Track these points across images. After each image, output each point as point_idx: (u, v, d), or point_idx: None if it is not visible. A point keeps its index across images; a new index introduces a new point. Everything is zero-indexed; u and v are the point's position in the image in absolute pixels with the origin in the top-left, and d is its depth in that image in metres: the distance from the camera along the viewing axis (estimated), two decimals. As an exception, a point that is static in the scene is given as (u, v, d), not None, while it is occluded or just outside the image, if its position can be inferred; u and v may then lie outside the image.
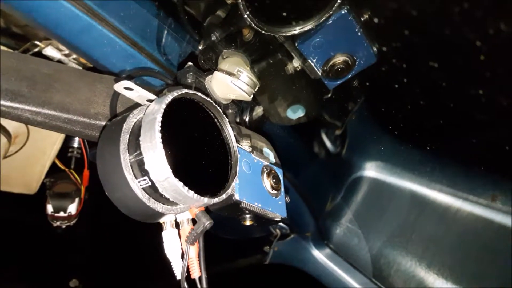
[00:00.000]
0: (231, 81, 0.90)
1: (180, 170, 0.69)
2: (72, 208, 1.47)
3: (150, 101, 0.80)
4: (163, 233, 0.86)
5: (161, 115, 0.69)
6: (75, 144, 1.50)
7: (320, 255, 1.83)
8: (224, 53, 0.97)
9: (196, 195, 0.70)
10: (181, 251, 0.86)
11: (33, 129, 1.33)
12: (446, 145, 1.65)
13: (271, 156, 1.06)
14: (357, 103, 1.55)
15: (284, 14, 0.83)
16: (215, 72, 0.92)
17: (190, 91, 0.76)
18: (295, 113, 1.13)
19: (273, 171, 0.96)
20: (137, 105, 0.88)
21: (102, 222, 1.69)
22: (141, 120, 0.76)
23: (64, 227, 1.48)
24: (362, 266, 1.78)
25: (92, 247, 1.75)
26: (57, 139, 1.37)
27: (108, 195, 0.75)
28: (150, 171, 0.70)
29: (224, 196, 0.77)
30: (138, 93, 0.78)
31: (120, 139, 0.73)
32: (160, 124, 0.68)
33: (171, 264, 0.86)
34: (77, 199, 1.49)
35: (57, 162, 1.43)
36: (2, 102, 0.80)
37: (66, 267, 1.70)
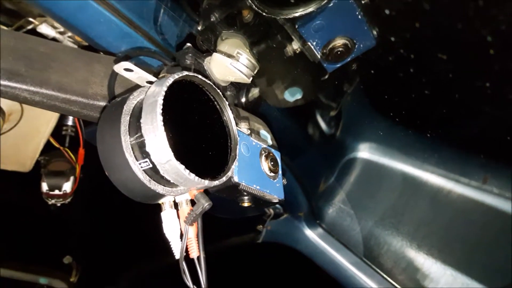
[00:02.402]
0: (231, 63, 0.90)
1: (181, 152, 0.69)
2: (67, 187, 1.47)
3: (150, 82, 0.80)
4: (162, 214, 0.87)
5: (162, 97, 0.69)
6: (70, 122, 1.49)
7: (312, 235, 1.86)
8: (223, 34, 0.96)
9: (197, 177, 0.71)
10: (180, 231, 0.87)
11: (27, 107, 1.32)
12: (439, 128, 1.67)
13: (269, 138, 1.07)
14: (352, 85, 1.55)
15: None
16: (214, 54, 0.92)
17: (191, 73, 0.76)
18: (293, 96, 1.13)
19: (271, 154, 0.97)
20: (136, 86, 0.88)
21: (97, 200, 1.69)
22: (141, 102, 0.76)
23: (59, 205, 1.48)
24: (354, 245, 1.81)
25: (87, 225, 1.76)
26: (52, 117, 1.36)
27: (109, 176, 0.76)
28: (151, 153, 0.70)
29: (224, 178, 0.78)
30: (138, 75, 0.78)
31: (120, 120, 0.73)
32: (161, 106, 0.68)
33: (170, 243, 0.87)
34: (72, 178, 1.49)
35: (52, 141, 1.42)
36: (0, 82, 0.79)
37: (60, 244, 1.71)
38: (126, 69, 0.77)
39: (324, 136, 1.80)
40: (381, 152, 1.83)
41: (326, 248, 1.84)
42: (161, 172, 0.71)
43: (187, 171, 0.69)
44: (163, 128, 0.67)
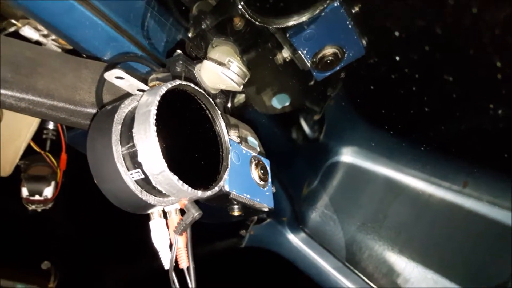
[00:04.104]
0: (222, 71, 0.89)
1: (175, 163, 0.69)
2: (48, 192, 1.43)
3: (141, 90, 0.79)
4: (151, 223, 0.86)
5: (156, 107, 0.68)
6: (51, 126, 1.45)
7: (295, 239, 1.87)
8: (213, 42, 0.95)
9: (190, 188, 0.70)
10: (169, 241, 0.86)
11: (7, 111, 1.28)
12: (420, 133, 1.70)
13: (257, 145, 1.07)
14: (336, 89, 1.56)
15: (280, 5, 0.83)
16: (205, 61, 0.91)
17: (184, 82, 0.75)
18: (281, 103, 1.13)
19: (261, 162, 0.97)
20: (127, 94, 0.86)
21: (79, 206, 1.65)
22: (133, 110, 0.75)
23: (39, 210, 1.44)
24: (336, 250, 1.83)
25: (67, 231, 1.72)
26: (33, 120, 1.33)
27: (99, 186, 0.74)
28: (143, 163, 0.69)
29: (217, 188, 0.77)
30: (128, 82, 0.76)
31: (112, 130, 0.72)
32: (155, 116, 0.67)
33: (159, 253, 0.86)
34: (53, 183, 1.45)
35: (33, 145, 1.38)
36: (-15, 88, 0.77)
37: (39, 250, 1.67)
38: (117, 77, 0.75)
39: (308, 140, 1.81)
40: (364, 156, 1.85)
41: (308, 252, 1.85)
42: (153, 183, 0.70)
43: (181, 182, 0.68)
44: (156, 138, 0.66)
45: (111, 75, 0.75)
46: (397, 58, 1.10)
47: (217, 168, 0.80)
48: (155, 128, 0.67)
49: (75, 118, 0.89)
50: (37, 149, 1.40)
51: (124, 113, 0.74)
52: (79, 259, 1.72)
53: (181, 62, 0.89)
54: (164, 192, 0.72)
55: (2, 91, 0.79)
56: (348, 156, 1.89)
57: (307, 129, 1.77)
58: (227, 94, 1.23)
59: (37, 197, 1.42)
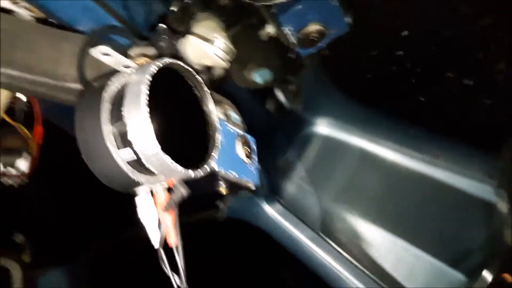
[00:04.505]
0: (208, 47, 0.88)
1: (167, 144, 0.68)
2: (23, 165, 1.39)
3: (127, 67, 0.77)
4: (137, 199, 0.85)
5: (147, 86, 0.67)
6: (23, 97, 1.39)
7: (271, 211, 1.89)
8: (198, 16, 0.93)
9: (183, 169, 0.70)
10: (157, 218, 0.86)
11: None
12: (393, 103, 1.74)
13: (239, 121, 1.06)
14: (312, 59, 1.57)
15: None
16: (190, 37, 0.89)
17: (174, 61, 0.74)
18: (263, 77, 1.12)
19: (246, 140, 0.97)
20: (112, 70, 0.84)
21: (56, 181, 1.62)
22: (121, 88, 0.73)
23: (16, 186, 1.40)
24: (311, 221, 1.86)
25: (44, 206, 1.69)
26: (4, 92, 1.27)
27: (89, 165, 0.73)
28: (134, 142, 0.68)
29: (207, 168, 0.77)
30: (115, 59, 0.74)
31: (101, 108, 0.70)
32: (146, 97, 0.66)
33: (146, 230, 0.86)
34: (26, 155, 1.41)
35: (5, 116, 1.33)
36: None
37: (15, 224, 1.63)
38: (104, 54, 0.73)
39: (284, 112, 1.82)
40: (339, 127, 1.88)
41: (284, 224, 1.88)
42: (146, 164, 0.70)
43: (174, 163, 0.68)
44: (149, 119, 0.65)
45: (97, 52, 0.73)
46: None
47: (206, 147, 0.80)
48: (147, 108, 0.65)
49: (56, 92, 0.86)
50: (10, 121, 1.35)
51: (113, 91, 0.73)
52: (55, 232, 1.70)
53: (165, 36, 0.87)
54: (156, 172, 0.72)
55: (-20, 66, 0.76)
56: (324, 127, 1.92)
57: (284, 100, 1.78)
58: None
59: (13, 171, 1.38)
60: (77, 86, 0.87)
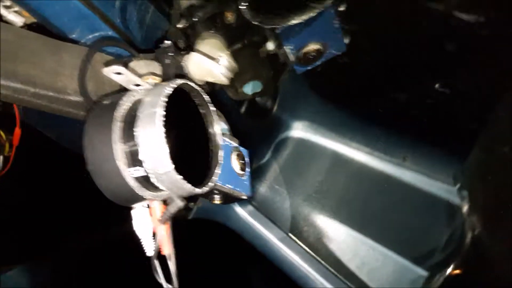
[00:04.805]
0: (213, 66, 0.90)
1: (178, 163, 0.70)
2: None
3: (137, 85, 0.78)
4: (133, 212, 0.87)
5: (163, 109, 0.69)
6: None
7: (242, 211, 1.93)
8: (203, 34, 0.95)
9: (191, 187, 0.73)
10: (151, 229, 0.88)
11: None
12: (365, 107, 1.83)
13: (227, 130, 1.10)
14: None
15: (282, 6, 0.84)
16: (195, 54, 0.91)
17: (186, 81, 0.76)
18: (253, 89, 1.15)
19: (240, 152, 1.00)
20: (116, 84, 0.85)
21: (30, 184, 1.58)
22: (132, 107, 0.75)
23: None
24: (281, 222, 1.92)
25: (16, 205, 1.64)
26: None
27: (95, 181, 0.75)
28: (146, 162, 0.70)
29: (211, 184, 0.80)
30: (127, 78, 0.76)
31: (112, 128, 0.71)
32: (162, 118, 0.68)
33: (141, 241, 0.88)
34: (0, 156, 1.37)
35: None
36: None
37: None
38: (117, 73, 0.74)
39: (260, 116, 1.86)
40: (314, 130, 1.96)
41: (254, 224, 1.92)
42: (155, 182, 0.72)
43: (184, 181, 0.71)
44: (165, 140, 0.68)
45: (110, 71, 0.74)
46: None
47: (209, 163, 0.83)
48: (163, 130, 0.68)
49: (57, 105, 0.86)
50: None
51: (124, 110, 0.74)
52: (18, 233, 1.66)
53: (171, 53, 0.88)
54: (164, 189, 0.74)
55: (-16, 78, 0.75)
56: (298, 130, 1.99)
57: (261, 105, 1.82)
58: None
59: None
60: (78, 99, 0.87)
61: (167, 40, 0.91)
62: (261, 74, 1.10)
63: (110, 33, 1.07)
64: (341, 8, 0.94)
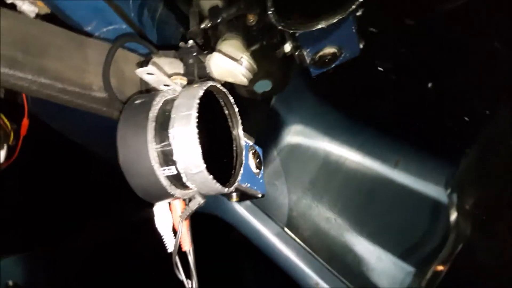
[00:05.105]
0: (235, 67, 0.92)
1: (209, 163, 0.73)
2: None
3: (166, 85, 0.80)
4: (155, 208, 0.89)
5: (197, 111, 0.71)
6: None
7: (239, 206, 1.96)
8: (225, 35, 0.97)
9: (220, 186, 0.75)
10: (171, 225, 0.90)
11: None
12: (359, 110, 1.87)
13: None
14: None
15: (310, 11, 0.86)
16: (217, 54, 0.93)
17: (214, 83, 0.78)
18: (263, 88, 1.17)
19: (256, 152, 1.03)
20: (140, 80, 0.86)
21: (36, 174, 1.57)
22: (164, 108, 0.76)
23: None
24: (278, 217, 1.96)
25: (21, 198, 1.63)
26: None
27: (128, 180, 0.76)
28: (179, 162, 0.72)
29: (236, 183, 0.82)
30: (158, 78, 0.77)
31: (147, 128, 0.73)
32: (196, 120, 0.70)
33: (163, 237, 0.90)
34: (5, 146, 1.36)
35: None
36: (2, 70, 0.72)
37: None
38: (149, 73, 0.76)
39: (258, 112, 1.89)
40: (311, 130, 1.99)
41: (251, 218, 1.95)
42: (186, 180, 0.74)
43: (215, 181, 0.73)
44: (198, 141, 0.70)
45: (142, 72, 0.75)
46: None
47: (234, 164, 0.85)
48: (197, 131, 0.70)
49: (82, 101, 0.87)
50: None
51: (157, 111, 0.76)
52: (17, 223, 1.65)
53: (195, 54, 0.90)
54: (193, 188, 0.76)
55: (16, 73, 0.75)
56: (296, 130, 2.02)
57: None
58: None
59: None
60: (102, 95, 0.88)
61: (189, 39, 0.92)
62: (273, 74, 1.12)
63: (124, 27, 1.08)
64: (359, 13, 0.96)
